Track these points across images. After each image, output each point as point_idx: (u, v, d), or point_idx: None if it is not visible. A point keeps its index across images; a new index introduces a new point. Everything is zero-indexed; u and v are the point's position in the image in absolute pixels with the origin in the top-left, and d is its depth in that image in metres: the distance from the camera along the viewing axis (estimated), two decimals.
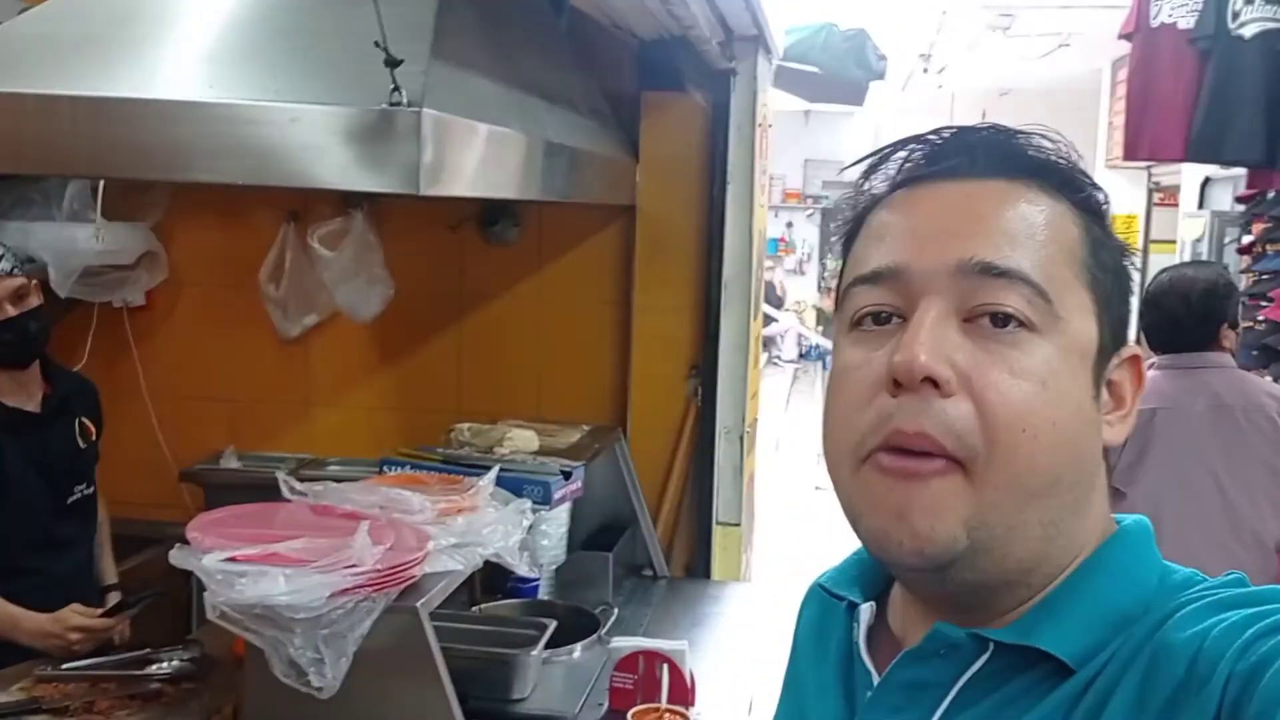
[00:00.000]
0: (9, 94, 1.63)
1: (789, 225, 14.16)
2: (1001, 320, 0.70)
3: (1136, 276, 0.84)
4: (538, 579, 2.62)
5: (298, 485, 1.87)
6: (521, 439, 2.55)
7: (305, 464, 3.42)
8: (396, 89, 1.60)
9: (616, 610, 2.61)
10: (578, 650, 2.34)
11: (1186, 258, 6.38)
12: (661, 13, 2.62)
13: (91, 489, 2.61)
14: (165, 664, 2.07)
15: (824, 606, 0.87)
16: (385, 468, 2.28)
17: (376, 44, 1.57)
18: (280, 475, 1.87)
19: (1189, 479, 2.68)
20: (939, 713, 0.73)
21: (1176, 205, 7.65)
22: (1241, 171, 4.67)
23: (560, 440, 2.71)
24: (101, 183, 3.18)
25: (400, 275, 3.21)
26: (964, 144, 0.76)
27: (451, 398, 3.40)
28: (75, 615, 2.16)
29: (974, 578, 0.71)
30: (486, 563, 1.88)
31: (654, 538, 3.08)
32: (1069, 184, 0.76)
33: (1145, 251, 8.25)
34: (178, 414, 3.48)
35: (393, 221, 3.24)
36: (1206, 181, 6.95)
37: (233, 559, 1.60)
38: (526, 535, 1.95)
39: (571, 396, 3.26)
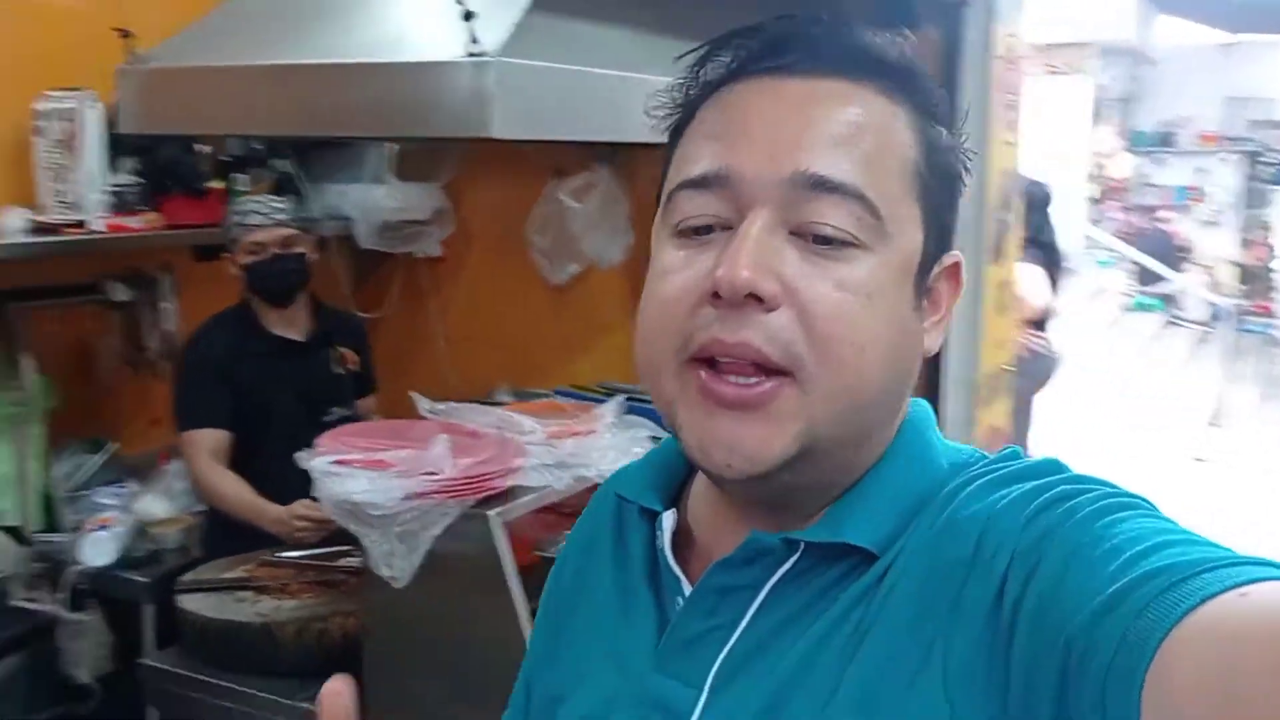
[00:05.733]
0: (302, 64, 1.91)
1: (1197, 171, 12.70)
2: (830, 239, 0.69)
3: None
4: None
5: (434, 405, 2.09)
6: None
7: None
8: (474, 39, 1.73)
9: None
10: None
11: None
12: None
13: (350, 413, 3.01)
14: (356, 559, 2.39)
15: (618, 513, 0.86)
16: (556, 395, 2.46)
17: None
18: (414, 395, 2.09)
19: None
20: (750, 613, 0.74)
21: None
22: None
23: None
24: (398, 148, 3.65)
25: (646, 226, 3.37)
26: (804, 37, 0.73)
27: None
28: (301, 506, 2.52)
29: (792, 480, 0.72)
30: None
31: None
32: (907, 85, 0.74)
33: None
34: (465, 354, 3.88)
35: (641, 177, 3.40)
36: None
37: (339, 461, 1.84)
38: None
39: None
